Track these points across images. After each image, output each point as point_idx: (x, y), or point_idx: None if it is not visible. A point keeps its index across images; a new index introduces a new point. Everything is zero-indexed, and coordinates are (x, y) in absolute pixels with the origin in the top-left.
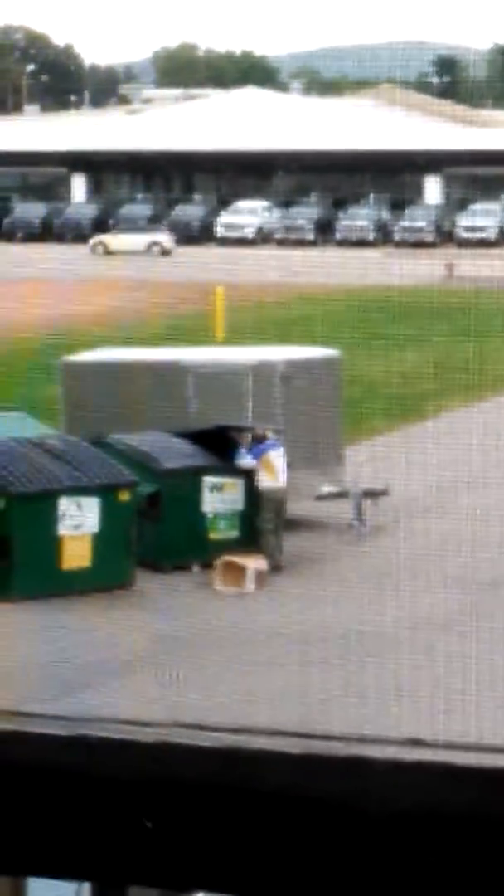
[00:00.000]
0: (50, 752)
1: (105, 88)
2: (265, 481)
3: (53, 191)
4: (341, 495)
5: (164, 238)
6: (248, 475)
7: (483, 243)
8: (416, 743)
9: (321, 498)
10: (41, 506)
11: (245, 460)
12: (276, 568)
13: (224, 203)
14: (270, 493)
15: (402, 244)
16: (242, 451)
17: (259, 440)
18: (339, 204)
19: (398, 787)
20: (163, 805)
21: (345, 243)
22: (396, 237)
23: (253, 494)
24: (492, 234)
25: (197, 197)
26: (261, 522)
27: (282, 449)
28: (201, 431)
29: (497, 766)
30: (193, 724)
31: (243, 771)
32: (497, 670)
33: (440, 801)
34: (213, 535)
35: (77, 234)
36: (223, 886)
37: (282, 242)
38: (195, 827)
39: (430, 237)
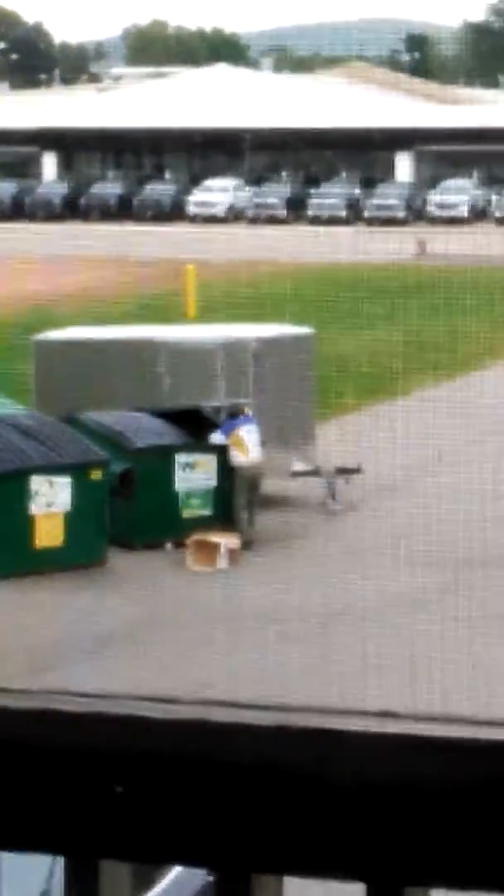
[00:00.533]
0: (19, 725)
1: (75, 66)
2: (236, 458)
3: (24, 168)
4: (314, 473)
5: None
6: (221, 453)
7: (454, 220)
8: (389, 715)
9: (294, 475)
10: (13, 484)
11: (215, 436)
12: (247, 543)
13: (195, 181)
14: (241, 469)
15: (373, 221)
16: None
17: (234, 416)
18: (311, 181)
19: (371, 758)
20: (134, 778)
21: (316, 221)
22: (368, 214)
23: (226, 472)
24: (463, 211)
25: (168, 175)
26: (234, 498)
27: (254, 425)
28: (176, 410)
29: (466, 736)
30: (165, 697)
31: (216, 743)
32: (466, 646)
33: (412, 772)
34: (185, 513)
35: (48, 212)
36: (197, 859)
37: (253, 220)
38: (167, 800)
39: (401, 214)
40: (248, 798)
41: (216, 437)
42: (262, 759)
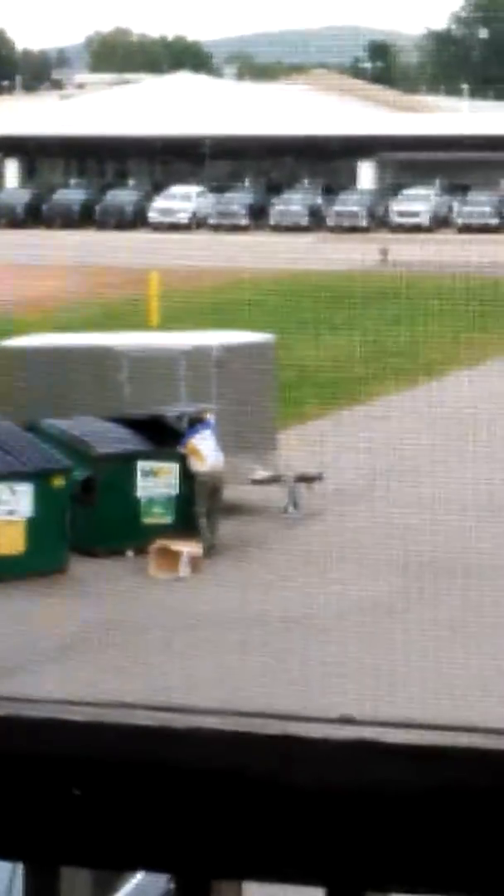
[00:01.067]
0: None
1: (38, 73)
2: (194, 465)
3: None
4: (275, 480)
5: None
6: (183, 460)
7: (416, 228)
8: (348, 721)
9: (256, 482)
10: None
11: (180, 447)
12: (208, 550)
13: (158, 188)
14: (200, 476)
15: (336, 229)
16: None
17: (194, 423)
18: (273, 189)
19: (330, 763)
20: (94, 783)
21: (279, 228)
22: (330, 222)
23: (188, 479)
24: (425, 219)
25: (130, 182)
26: (194, 505)
27: (209, 431)
28: (139, 418)
29: (425, 742)
30: (126, 703)
31: (175, 748)
32: (428, 651)
33: (372, 777)
34: (147, 520)
35: (10, 219)
36: (157, 865)
37: (216, 228)
38: (127, 805)
39: (363, 222)
40: (208, 803)
41: (179, 447)
42: (221, 765)
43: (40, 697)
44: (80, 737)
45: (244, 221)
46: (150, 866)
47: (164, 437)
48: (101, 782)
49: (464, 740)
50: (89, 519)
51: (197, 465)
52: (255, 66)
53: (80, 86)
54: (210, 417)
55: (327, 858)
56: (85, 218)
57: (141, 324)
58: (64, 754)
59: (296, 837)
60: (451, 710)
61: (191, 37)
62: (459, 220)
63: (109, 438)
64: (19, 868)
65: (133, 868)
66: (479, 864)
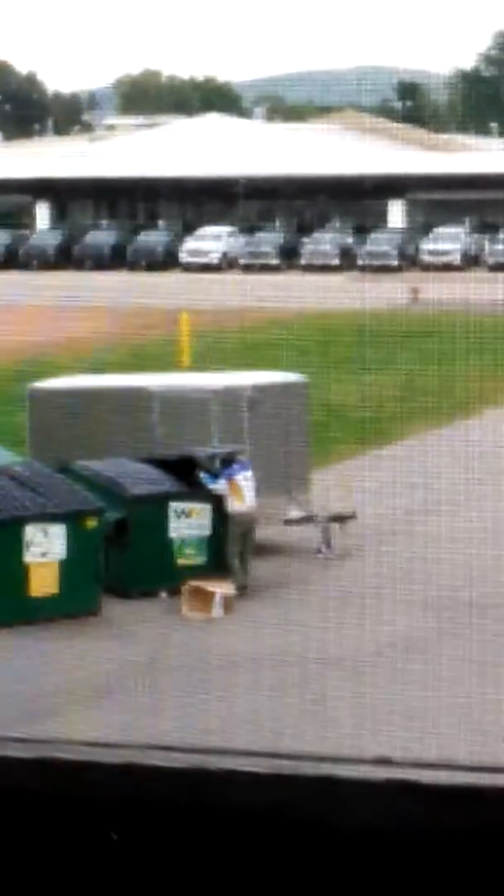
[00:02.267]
0: (18, 774)
1: (68, 116)
2: (232, 504)
3: (17, 218)
4: (309, 520)
5: None
6: (216, 500)
7: (447, 267)
8: (385, 762)
9: (289, 522)
10: (7, 533)
11: (215, 484)
12: (241, 590)
13: (188, 229)
14: (236, 516)
15: (366, 269)
16: (204, 475)
17: (227, 463)
18: (303, 229)
19: (368, 804)
20: (132, 826)
21: (309, 268)
22: (361, 262)
23: (220, 520)
24: (456, 258)
25: (161, 223)
26: (227, 545)
27: (250, 472)
28: (172, 459)
29: (463, 782)
30: (161, 745)
31: (213, 790)
32: (460, 690)
33: (409, 818)
34: (180, 561)
35: (42, 261)
36: None
37: (247, 268)
38: (165, 847)
39: (394, 262)
40: (247, 846)
41: (216, 485)
42: (259, 806)
43: (75, 739)
44: (115, 779)
45: (275, 261)
46: None
47: (196, 476)
48: (137, 825)
49: (493, 780)
50: (122, 560)
51: (235, 505)
52: (285, 106)
53: (111, 128)
54: (243, 458)
55: None
56: (116, 259)
57: (172, 364)
58: (99, 797)
59: (336, 879)
60: (483, 749)
61: (221, 78)
62: (490, 259)
63: (142, 479)
64: None
65: None
66: None
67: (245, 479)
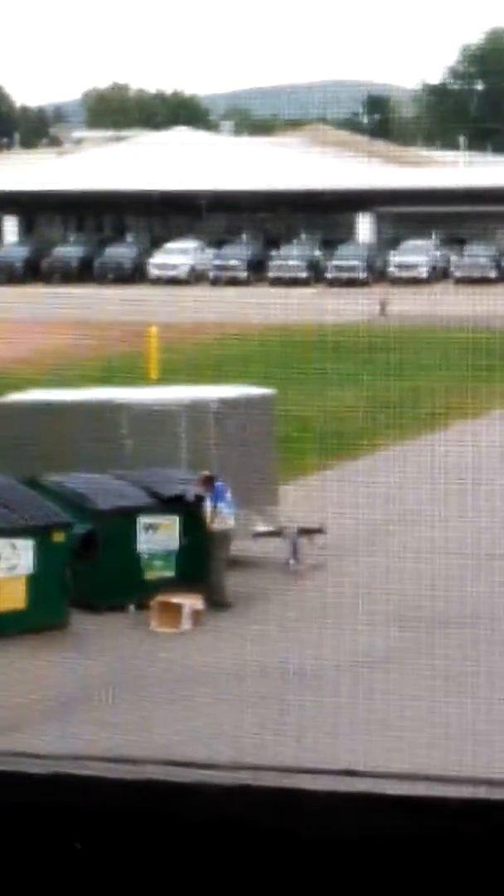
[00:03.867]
0: None
1: (36, 129)
2: (218, 524)
3: None
4: (276, 534)
5: None
6: (184, 514)
7: (415, 281)
8: (350, 773)
9: (257, 536)
10: None
11: (226, 511)
12: (225, 606)
13: (156, 243)
14: (226, 532)
15: (334, 282)
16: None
17: (209, 482)
18: (271, 243)
19: (331, 816)
20: (97, 837)
21: (277, 282)
22: (329, 276)
23: (188, 533)
24: (423, 272)
25: (129, 237)
26: (214, 562)
27: (229, 493)
28: (164, 497)
29: (429, 794)
30: (129, 757)
31: (180, 802)
32: (425, 702)
33: (372, 829)
34: (148, 575)
35: (10, 274)
36: None
37: (214, 282)
38: (131, 859)
39: (362, 275)
40: (213, 856)
41: (226, 510)
42: (226, 818)
43: (43, 753)
44: (83, 791)
45: (243, 275)
46: None
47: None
48: (105, 836)
49: (457, 791)
50: (90, 574)
51: (221, 524)
52: (253, 120)
53: (78, 141)
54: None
55: None
56: (84, 273)
57: (140, 378)
58: (67, 808)
59: (301, 888)
60: (446, 760)
61: (188, 91)
62: (458, 273)
63: (110, 493)
64: None
65: None
66: None
67: (227, 498)
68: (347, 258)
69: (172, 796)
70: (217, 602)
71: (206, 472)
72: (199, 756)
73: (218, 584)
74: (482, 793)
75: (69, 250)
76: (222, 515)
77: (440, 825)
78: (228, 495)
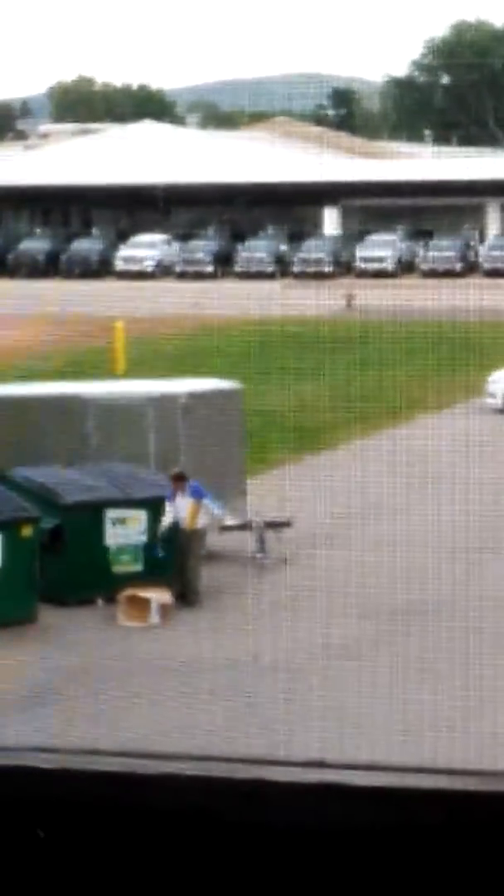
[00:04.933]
0: None
1: (1, 123)
2: (201, 521)
3: None
4: (244, 527)
5: None
6: (151, 508)
7: (381, 274)
8: (318, 764)
9: (224, 529)
10: None
11: (217, 511)
12: (197, 603)
13: (123, 237)
14: (203, 530)
15: (300, 276)
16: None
17: (181, 479)
18: (238, 237)
19: (299, 807)
20: (62, 828)
21: (244, 275)
22: (295, 269)
23: (155, 527)
24: (389, 265)
25: (95, 231)
26: (191, 560)
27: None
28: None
29: (394, 784)
30: (94, 749)
31: (145, 793)
32: (393, 693)
33: (336, 819)
34: (116, 569)
35: None
36: None
37: (181, 275)
38: (96, 850)
39: (328, 268)
40: (179, 847)
41: (218, 511)
42: (192, 809)
43: (6, 745)
44: (47, 782)
45: (210, 269)
46: None
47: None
48: (69, 827)
49: (418, 781)
50: (58, 568)
51: (203, 521)
52: (218, 114)
53: (44, 136)
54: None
55: None
56: (50, 267)
57: (107, 372)
58: (30, 799)
59: (268, 880)
60: (415, 750)
61: (154, 85)
62: (424, 266)
63: (77, 487)
64: None
65: None
66: None
67: (207, 496)
68: (313, 251)
69: (138, 787)
70: (189, 600)
71: (177, 470)
72: (164, 748)
73: (192, 582)
74: (444, 783)
75: (35, 244)
76: (212, 513)
77: (406, 816)
78: (207, 493)
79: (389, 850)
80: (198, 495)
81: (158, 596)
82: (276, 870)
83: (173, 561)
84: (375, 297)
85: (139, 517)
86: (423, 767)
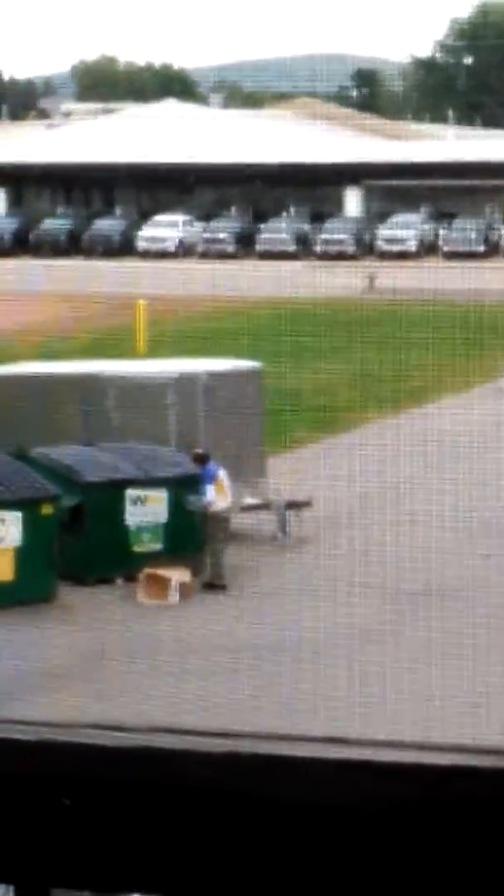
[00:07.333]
0: None
1: (24, 102)
2: (219, 503)
3: None
4: (264, 507)
5: None
6: (173, 488)
7: (403, 255)
8: (339, 741)
9: (245, 509)
10: None
11: (207, 495)
12: (223, 587)
13: (145, 216)
14: (224, 512)
15: (323, 256)
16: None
17: (202, 461)
18: (260, 217)
19: (320, 782)
20: (84, 803)
21: (266, 256)
22: (317, 249)
23: (177, 507)
24: (411, 246)
25: (117, 210)
26: (213, 542)
27: (222, 470)
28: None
29: (410, 761)
30: (115, 725)
31: (165, 769)
32: (412, 673)
33: (357, 795)
34: (136, 548)
35: None
36: (149, 885)
37: (203, 255)
38: (117, 825)
39: (350, 249)
40: (199, 823)
41: (207, 496)
42: (212, 785)
43: (29, 720)
44: (69, 758)
45: (231, 249)
46: (142, 887)
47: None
48: (91, 802)
49: (436, 758)
50: (78, 547)
51: (221, 502)
52: (242, 93)
53: (67, 114)
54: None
55: (316, 873)
56: (72, 246)
57: (128, 352)
58: (53, 774)
59: (288, 855)
60: (437, 729)
61: (177, 65)
62: (446, 247)
63: (98, 466)
64: (10, 893)
65: (127, 889)
66: (446, 873)
67: (225, 477)
68: (336, 232)
69: (157, 763)
70: (215, 584)
71: (199, 450)
72: (185, 725)
73: (217, 566)
74: (461, 760)
75: (58, 223)
76: (225, 494)
77: (423, 791)
78: (223, 473)
79: (410, 826)
80: (208, 478)
81: (178, 575)
82: (296, 844)
83: (199, 545)
84: (397, 278)
85: (160, 496)
86: (444, 745)
